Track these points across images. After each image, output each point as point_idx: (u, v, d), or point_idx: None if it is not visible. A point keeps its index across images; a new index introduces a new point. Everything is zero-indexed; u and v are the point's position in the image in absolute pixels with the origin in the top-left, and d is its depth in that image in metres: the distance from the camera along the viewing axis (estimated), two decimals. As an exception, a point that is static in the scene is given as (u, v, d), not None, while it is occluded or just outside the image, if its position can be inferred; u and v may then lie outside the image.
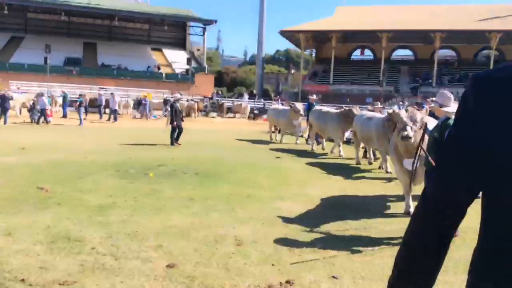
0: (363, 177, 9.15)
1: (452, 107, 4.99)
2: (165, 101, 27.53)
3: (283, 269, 3.94)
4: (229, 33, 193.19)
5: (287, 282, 3.66)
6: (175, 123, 13.32)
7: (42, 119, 19.89)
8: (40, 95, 20.86)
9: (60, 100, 25.95)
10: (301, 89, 45.79)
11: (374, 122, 9.77)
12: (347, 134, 12.91)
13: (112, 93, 25.42)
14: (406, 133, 5.15)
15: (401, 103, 30.34)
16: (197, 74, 44.07)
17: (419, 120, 5.44)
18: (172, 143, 13.20)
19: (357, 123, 10.87)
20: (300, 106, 15.07)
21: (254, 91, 47.98)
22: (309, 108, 15.76)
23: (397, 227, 5.43)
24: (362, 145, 11.60)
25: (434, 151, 4.73)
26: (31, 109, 20.42)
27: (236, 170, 9.06)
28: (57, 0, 43.15)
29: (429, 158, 4.45)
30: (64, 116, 23.68)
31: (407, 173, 5.57)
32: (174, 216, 5.52)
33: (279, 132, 16.52)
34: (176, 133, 13.33)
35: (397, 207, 6.41)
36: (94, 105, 26.06)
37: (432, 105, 6.86)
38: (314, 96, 17.19)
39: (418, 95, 38.64)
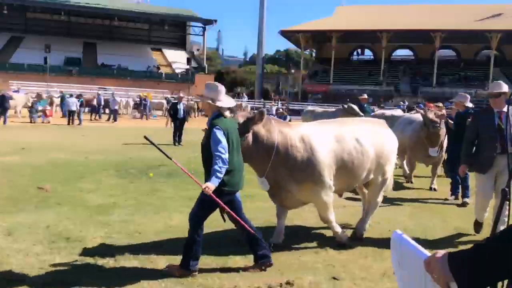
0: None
1: (224, 101, 3.79)
2: (167, 101, 27.63)
3: (283, 270, 3.94)
4: (229, 33, 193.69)
5: (287, 282, 3.66)
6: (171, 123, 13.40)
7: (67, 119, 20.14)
8: (68, 96, 21.24)
9: (58, 101, 25.95)
10: (301, 89, 45.78)
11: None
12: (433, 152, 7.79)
13: (112, 93, 25.44)
14: None
15: (401, 103, 30.32)
16: (197, 74, 44.05)
17: None
18: (174, 143, 13.24)
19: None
20: (355, 107, 11.47)
21: (239, 89, 47.65)
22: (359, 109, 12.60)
23: (398, 227, 5.42)
24: None
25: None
26: (31, 109, 20.43)
27: (236, 170, 9.04)
28: (57, 0, 43.12)
29: None
30: (64, 116, 23.68)
31: None
32: (175, 216, 5.53)
33: None
34: (177, 134, 13.39)
35: (397, 208, 6.41)
36: (93, 105, 26.05)
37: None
38: (365, 96, 13.48)
39: (418, 95, 38.68)
